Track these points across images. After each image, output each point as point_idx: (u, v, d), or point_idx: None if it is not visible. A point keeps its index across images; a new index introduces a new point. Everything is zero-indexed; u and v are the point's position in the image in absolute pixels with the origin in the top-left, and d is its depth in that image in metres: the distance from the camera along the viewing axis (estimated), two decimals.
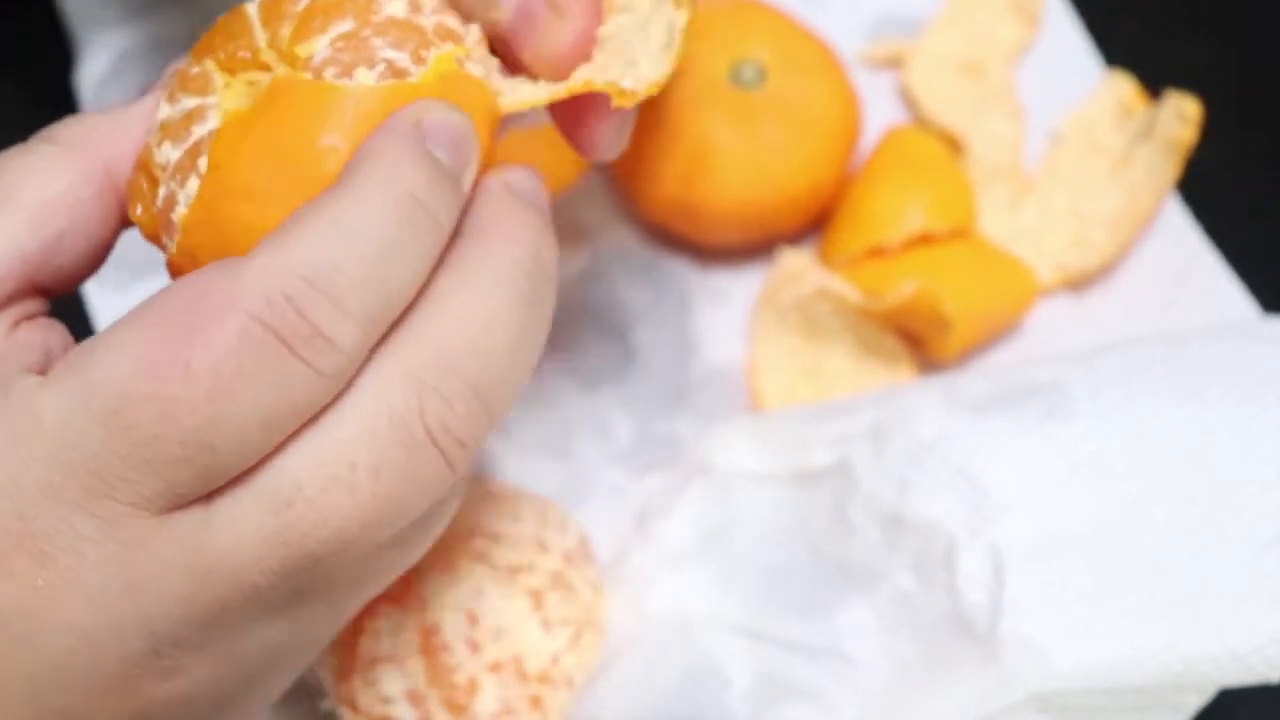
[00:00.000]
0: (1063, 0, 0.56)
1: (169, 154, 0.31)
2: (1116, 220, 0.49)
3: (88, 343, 0.28)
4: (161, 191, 0.31)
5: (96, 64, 0.54)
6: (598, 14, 0.33)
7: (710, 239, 0.51)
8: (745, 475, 0.43)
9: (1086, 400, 0.40)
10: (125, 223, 0.33)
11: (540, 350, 0.31)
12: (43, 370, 0.29)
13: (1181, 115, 0.49)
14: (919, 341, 0.48)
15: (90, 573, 0.27)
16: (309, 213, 0.28)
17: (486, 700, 0.39)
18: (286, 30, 0.31)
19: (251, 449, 0.27)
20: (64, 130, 0.32)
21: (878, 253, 0.48)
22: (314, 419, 0.28)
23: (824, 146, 0.49)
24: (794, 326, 0.49)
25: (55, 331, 0.31)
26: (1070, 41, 0.55)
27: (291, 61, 0.31)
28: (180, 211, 0.30)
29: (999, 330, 0.49)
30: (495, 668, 0.39)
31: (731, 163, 0.48)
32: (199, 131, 0.31)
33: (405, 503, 0.29)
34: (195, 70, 0.32)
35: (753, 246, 0.51)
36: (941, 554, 0.38)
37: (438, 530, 0.32)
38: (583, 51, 0.33)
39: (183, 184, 0.30)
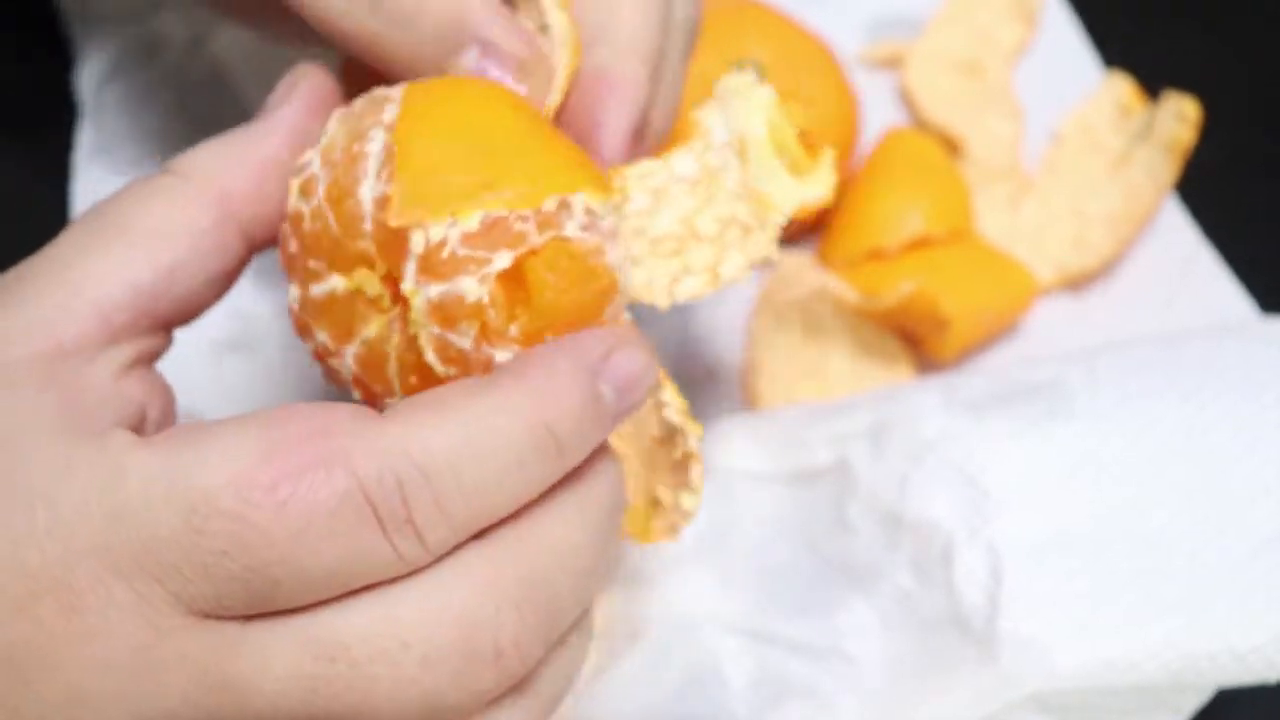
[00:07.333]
0: (1062, 0, 0.56)
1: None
2: (1116, 220, 0.49)
3: (201, 425, 0.28)
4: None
5: (96, 64, 0.54)
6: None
7: None
8: (745, 475, 0.43)
9: (1086, 400, 0.40)
10: (246, 252, 0.33)
11: (601, 590, 0.31)
12: (136, 430, 0.29)
13: (1181, 115, 0.49)
14: (918, 341, 0.48)
15: (109, 641, 0.27)
16: (453, 397, 0.28)
17: None
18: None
19: (310, 595, 0.27)
20: (183, 161, 0.32)
21: (877, 255, 0.48)
22: (377, 587, 0.28)
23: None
24: (794, 326, 0.49)
25: (159, 391, 0.31)
26: (1069, 42, 0.55)
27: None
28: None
29: (998, 330, 0.49)
30: None
31: None
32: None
33: (441, 703, 0.28)
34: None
35: None
36: (940, 553, 0.38)
37: None
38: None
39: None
